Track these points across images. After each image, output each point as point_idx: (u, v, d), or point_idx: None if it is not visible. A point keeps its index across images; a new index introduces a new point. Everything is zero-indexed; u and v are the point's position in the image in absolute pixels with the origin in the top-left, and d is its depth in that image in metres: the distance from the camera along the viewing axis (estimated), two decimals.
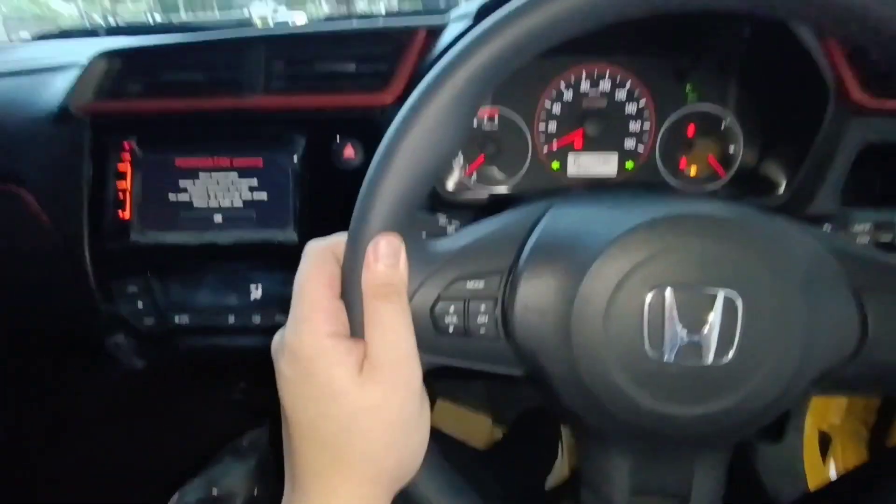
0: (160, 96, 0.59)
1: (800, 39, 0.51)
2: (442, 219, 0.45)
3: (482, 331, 0.35)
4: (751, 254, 0.32)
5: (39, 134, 0.59)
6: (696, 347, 0.32)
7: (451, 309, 0.34)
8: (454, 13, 0.59)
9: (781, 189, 0.57)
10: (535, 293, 0.34)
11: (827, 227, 0.48)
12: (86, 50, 0.61)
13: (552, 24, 0.29)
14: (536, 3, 0.29)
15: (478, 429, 1.14)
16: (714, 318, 0.32)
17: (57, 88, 0.60)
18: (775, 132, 0.61)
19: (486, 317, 0.34)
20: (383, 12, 1.46)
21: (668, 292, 0.32)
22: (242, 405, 0.85)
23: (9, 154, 0.60)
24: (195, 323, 0.59)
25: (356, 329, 0.32)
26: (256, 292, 0.59)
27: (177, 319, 0.59)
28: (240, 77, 0.58)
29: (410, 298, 0.34)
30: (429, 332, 0.34)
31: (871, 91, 0.52)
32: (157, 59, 0.60)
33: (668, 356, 0.32)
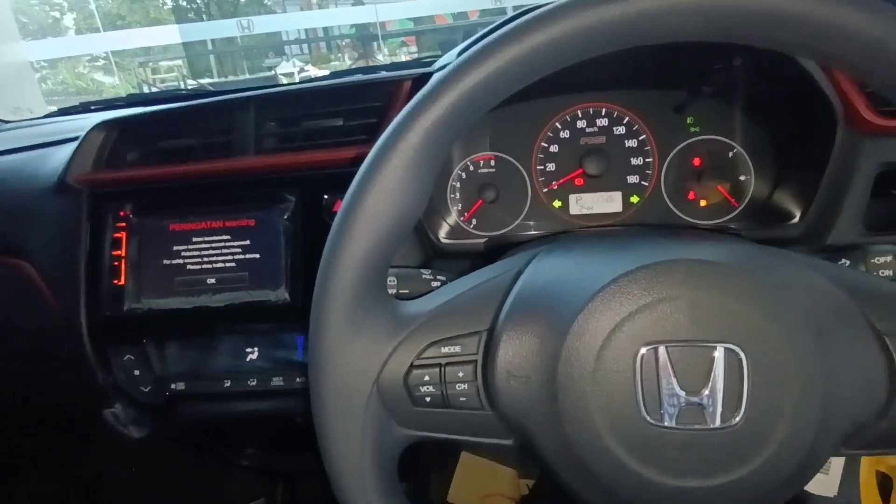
0: (155, 164, 0.59)
1: (799, 63, 0.49)
2: (426, 273, 0.43)
3: (463, 400, 0.32)
4: (750, 301, 0.29)
5: (41, 206, 0.61)
6: (699, 409, 0.29)
7: (427, 377, 0.32)
8: (438, 63, 0.59)
9: (797, 219, 0.53)
10: (517, 356, 0.31)
11: (844, 261, 0.44)
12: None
13: (502, 76, 0.28)
14: (488, 52, 0.28)
15: (503, 482, 1.08)
16: (716, 375, 0.28)
17: (59, 161, 0.62)
18: (787, 160, 0.58)
19: (466, 385, 0.32)
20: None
21: (661, 350, 0.29)
22: (253, 470, 0.82)
23: (11, 227, 0.61)
24: (191, 389, 0.57)
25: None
26: (252, 355, 0.57)
27: (173, 386, 0.57)
28: (231, 140, 0.58)
29: (381, 368, 0.31)
30: (405, 404, 0.32)
31: (882, 111, 0.49)
32: (151, 127, 0.61)
33: (669, 420, 0.29)
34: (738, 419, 0.28)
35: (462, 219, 0.63)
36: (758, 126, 0.59)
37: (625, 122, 0.62)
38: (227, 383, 0.57)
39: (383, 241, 0.30)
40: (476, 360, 0.32)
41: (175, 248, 0.58)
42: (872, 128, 0.49)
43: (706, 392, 0.28)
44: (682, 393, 0.28)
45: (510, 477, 1.09)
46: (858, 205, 0.50)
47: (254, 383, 0.57)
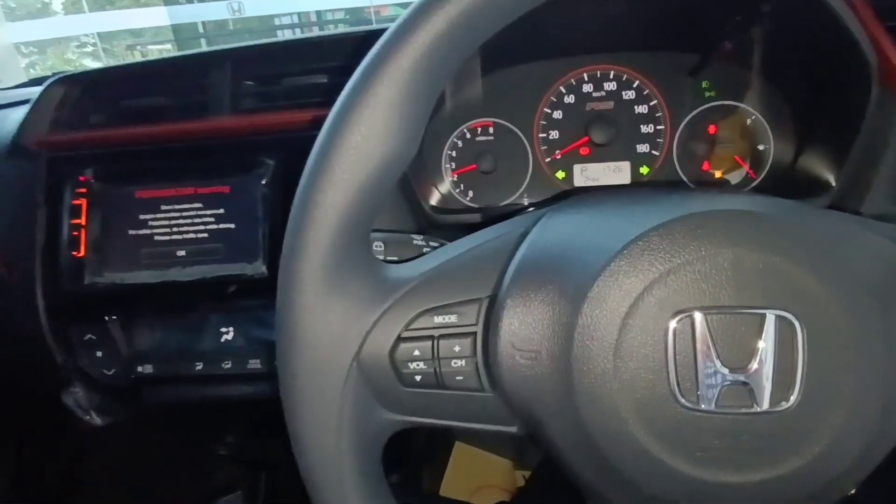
0: (120, 124, 0.54)
1: (833, 14, 0.44)
2: (418, 239, 0.38)
3: (459, 379, 0.27)
4: (805, 260, 0.24)
5: None
6: (744, 389, 0.24)
7: (417, 352, 0.27)
8: None
9: (827, 188, 0.49)
10: (524, 327, 0.26)
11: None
12: None
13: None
14: None
15: (498, 473, 1.05)
16: (765, 348, 0.24)
17: (13, 122, 0.56)
18: (811, 126, 0.53)
19: (463, 361, 0.27)
20: None
21: (699, 318, 0.24)
22: (232, 460, 0.78)
23: None
24: (160, 372, 0.53)
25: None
26: (226, 335, 0.52)
27: (140, 369, 0.53)
28: (204, 99, 0.53)
29: (363, 340, 0.27)
30: (391, 383, 0.27)
31: None
32: (116, 84, 0.56)
33: (707, 403, 0.24)
34: (790, 401, 0.24)
35: (457, 190, 0.59)
36: (779, 90, 0.55)
37: (634, 86, 0.57)
38: (200, 366, 0.52)
39: (366, 189, 0.25)
40: (475, 333, 0.27)
41: (141, 216, 0.53)
42: None
43: (753, 369, 0.24)
44: (724, 370, 0.24)
45: (506, 468, 1.05)
46: (894, 170, 0.46)
47: (229, 366, 0.52)
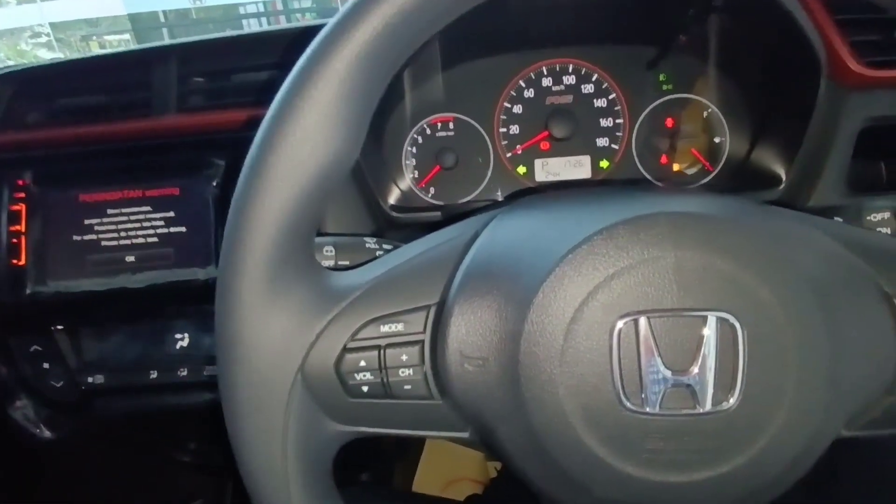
0: (60, 124, 0.51)
1: (782, 7, 0.44)
2: (370, 242, 0.37)
3: (407, 388, 0.27)
4: (747, 261, 0.24)
5: None
6: (687, 391, 0.24)
7: (363, 362, 0.26)
8: None
9: (779, 180, 0.50)
10: (472, 334, 0.26)
11: (837, 219, 0.41)
12: None
13: None
14: None
15: (470, 466, 1.05)
16: (707, 350, 0.24)
17: None
18: (764, 119, 0.54)
19: (411, 370, 0.27)
20: None
21: (642, 321, 0.24)
22: (195, 468, 0.76)
23: None
24: (112, 382, 0.51)
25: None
26: (181, 342, 0.51)
27: (90, 380, 0.51)
28: (149, 96, 0.51)
29: (307, 352, 0.26)
30: (337, 395, 0.27)
31: (867, 61, 0.45)
32: (55, 82, 0.53)
33: (652, 406, 0.24)
34: (732, 401, 0.24)
35: (418, 186, 0.58)
36: (733, 83, 0.56)
37: (593, 79, 0.57)
38: (154, 374, 0.51)
39: (305, 195, 0.25)
40: (423, 341, 0.27)
41: (86, 221, 0.50)
42: (857, 80, 0.45)
43: (695, 370, 0.24)
44: (668, 372, 0.24)
45: (477, 460, 1.05)
46: (842, 163, 0.47)
47: (184, 374, 0.51)
